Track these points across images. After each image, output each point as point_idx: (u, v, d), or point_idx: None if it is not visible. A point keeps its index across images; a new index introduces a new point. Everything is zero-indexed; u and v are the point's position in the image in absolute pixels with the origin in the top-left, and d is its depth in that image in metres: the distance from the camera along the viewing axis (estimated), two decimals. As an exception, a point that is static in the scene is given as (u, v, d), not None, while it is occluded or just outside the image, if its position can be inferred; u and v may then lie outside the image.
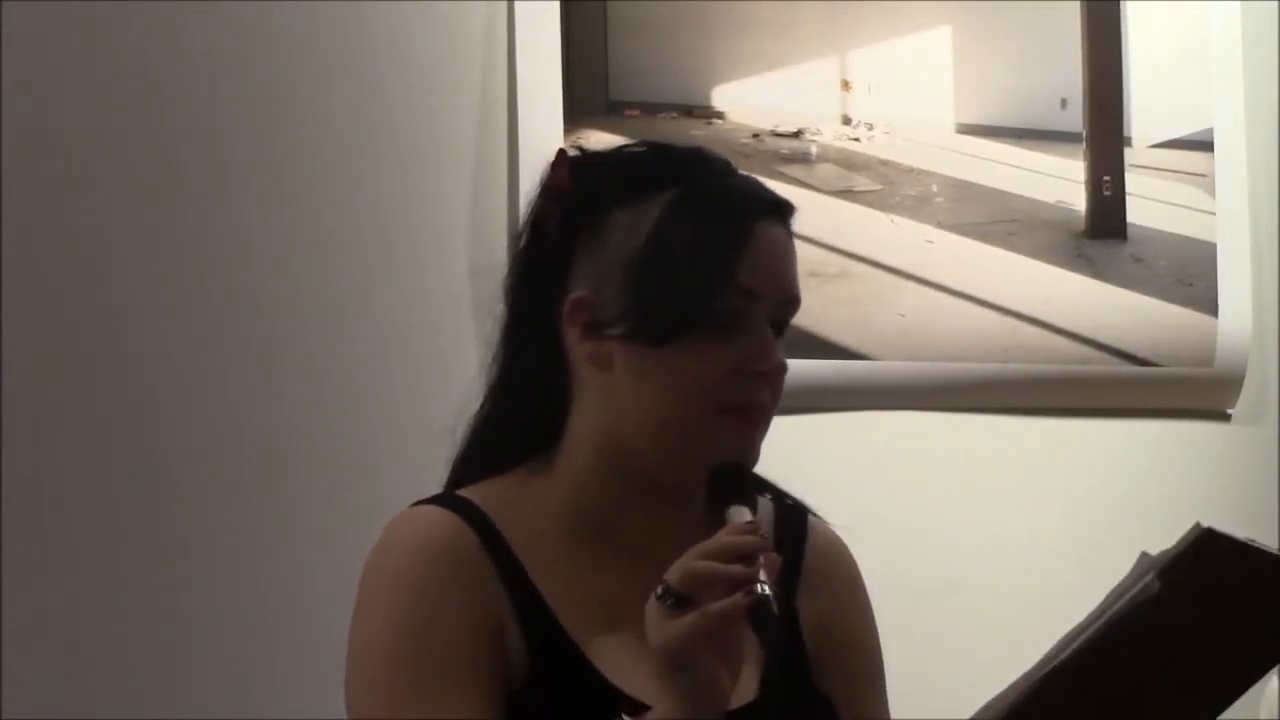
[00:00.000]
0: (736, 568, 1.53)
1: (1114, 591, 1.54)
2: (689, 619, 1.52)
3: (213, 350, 2.51)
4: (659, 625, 1.53)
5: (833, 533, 1.83)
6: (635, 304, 1.65)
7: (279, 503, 2.53)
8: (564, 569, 1.68)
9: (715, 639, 1.53)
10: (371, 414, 2.58)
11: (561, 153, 1.74)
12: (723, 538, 1.56)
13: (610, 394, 1.68)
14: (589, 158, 1.76)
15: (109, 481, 2.46)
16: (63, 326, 2.45)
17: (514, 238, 1.79)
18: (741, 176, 1.73)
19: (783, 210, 1.71)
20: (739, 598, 1.51)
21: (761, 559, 1.54)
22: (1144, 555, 1.55)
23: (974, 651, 2.76)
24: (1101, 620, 1.52)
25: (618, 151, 1.77)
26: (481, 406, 1.76)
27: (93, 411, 2.45)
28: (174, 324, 2.50)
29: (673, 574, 1.54)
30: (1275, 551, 1.54)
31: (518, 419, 1.73)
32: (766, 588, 1.52)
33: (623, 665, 1.65)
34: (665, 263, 1.65)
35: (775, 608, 1.51)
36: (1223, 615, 1.55)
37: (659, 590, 1.54)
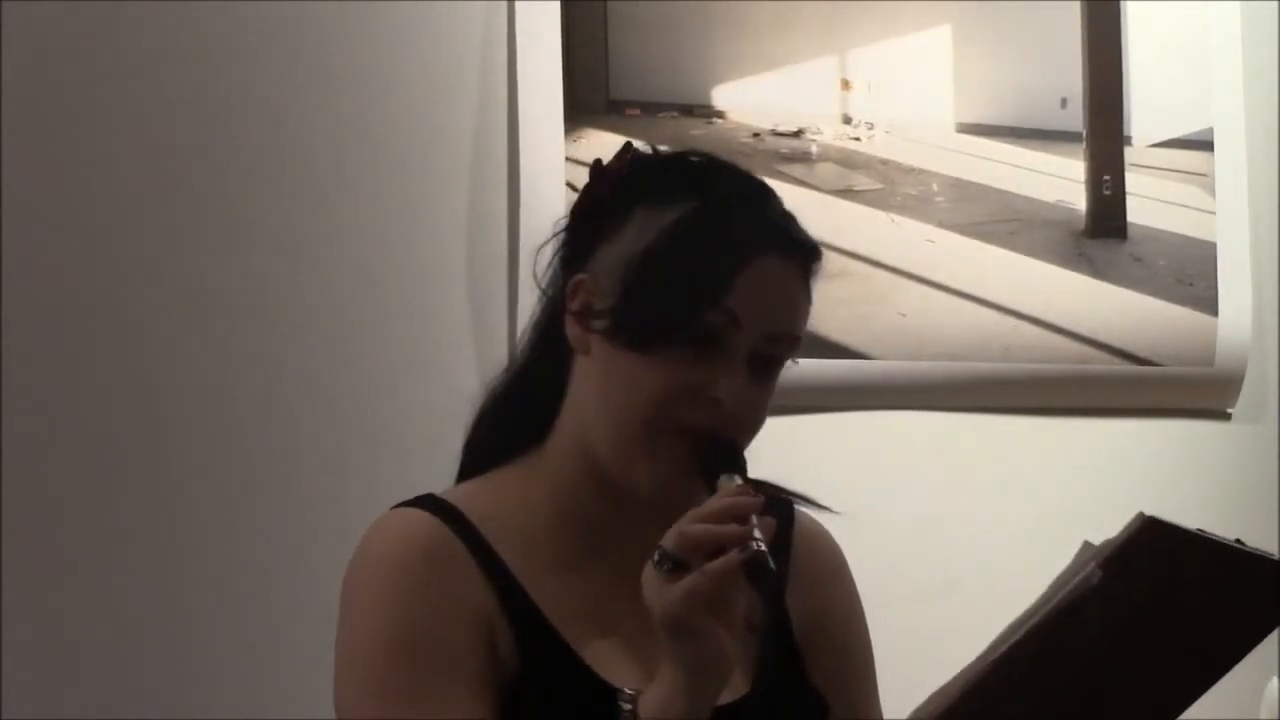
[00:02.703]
0: (731, 527, 1.53)
1: (1056, 582, 1.53)
2: (686, 581, 1.52)
3: (212, 349, 2.51)
4: (658, 591, 1.54)
5: (819, 525, 1.83)
6: (620, 303, 1.65)
7: (280, 502, 2.53)
8: (547, 567, 1.68)
9: (714, 600, 1.53)
10: (371, 413, 2.58)
11: (627, 144, 1.73)
12: (716, 501, 1.57)
13: (585, 383, 1.68)
14: (648, 155, 1.74)
15: (109, 482, 2.46)
16: (63, 327, 2.45)
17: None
18: (774, 209, 1.70)
19: (802, 251, 1.67)
20: (734, 554, 1.52)
21: (755, 519, 1.54)
22: (1086, 544, 1.53)
23: (974, 650, 2.75)
24: (1042, 612, 1.51)
25: (675, 155, 1.76)
26: (497, 386, 1.76)
27: (93, 412, 2.45)
28: (174, 324, 2.49)
29: (668, 539, 1.54)
30: (1222, 539, 1.52)
31: (524, 404, 1.74)
32: (762, 544, 1.52)
33: (612, 662, 1.66)
34: (656, 271, 1.65)
35: (772, 563, 1.52)
36: (1172, 607, 1.53)
37: (656, 556, 1.54)
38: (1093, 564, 1.50)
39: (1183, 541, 1.50)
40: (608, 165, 1.72)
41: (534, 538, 1.69)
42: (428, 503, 1.70)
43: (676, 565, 1.53)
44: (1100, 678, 1.54)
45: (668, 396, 1.63)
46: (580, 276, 1.68)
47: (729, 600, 1.54)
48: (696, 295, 1.63)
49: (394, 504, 1.72)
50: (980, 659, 1.52)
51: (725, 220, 1.66)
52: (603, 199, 1.71)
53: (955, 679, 1.53)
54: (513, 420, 1.74)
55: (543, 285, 1.74)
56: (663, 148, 1.79)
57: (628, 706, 1.56)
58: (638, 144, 1.74)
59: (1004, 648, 1.51)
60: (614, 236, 1.68)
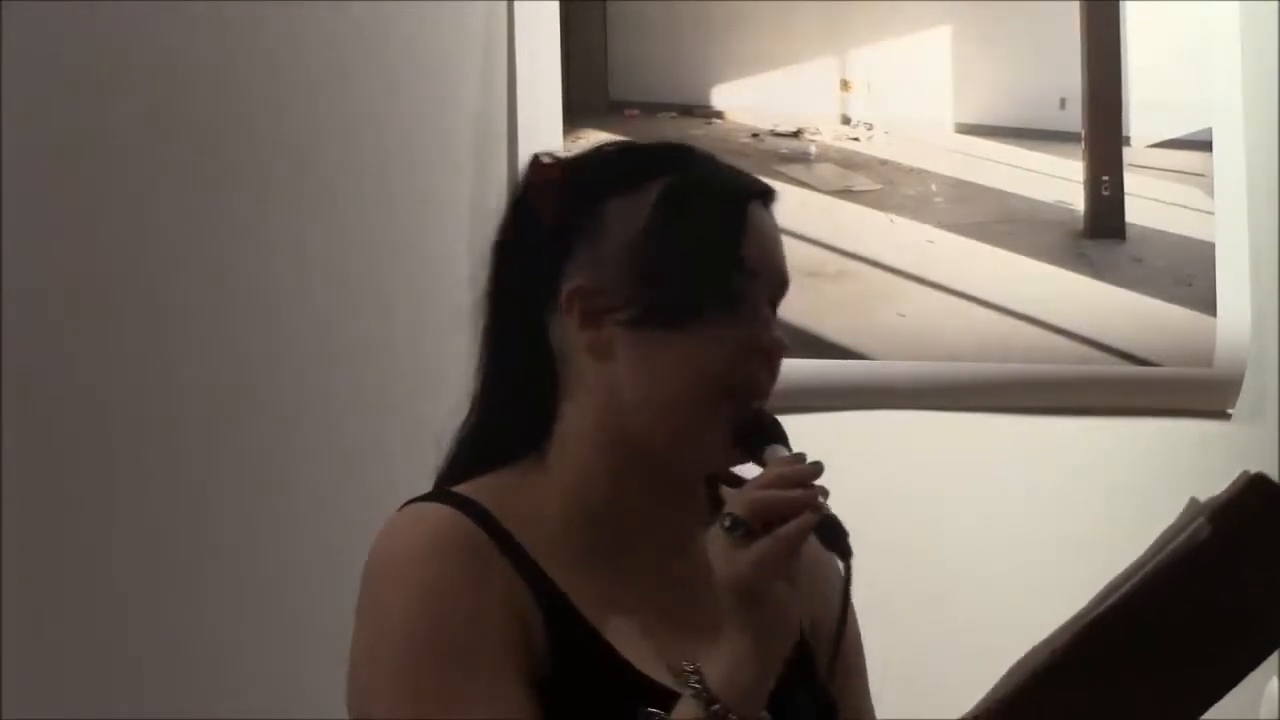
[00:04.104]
0: (799, 491, 1.55)
1: (1162, 537, 1.53)
2: (760, 545, 1.54)
3: (212, 350, 2.51)
4: (728, 557, 1.54)
5: None
6: (642, 288, 1.65)
7: (281, 502, 2.53)
8: (571, 561, 1.67)
9: (784, 564, 1.54)
10: (369, 413, 2.58)
11: (535, 157, 1.73)
12: (777, 468, 1.59)
13: (611, 383, 1.67)
14: (575, 157, 1.75)
15: (109, 482, 2.46)
16: (62, 327, 2.45)
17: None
18: (726, 165, 1.74)
19: (767, 196, 1.72)
20: (808, 515, 1.54)
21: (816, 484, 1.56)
22: (1193, 500, 1.54)
23: (974, 651, 2.75)
24: (1151, 564, 1.51)
25: (599, 149, 1.77)
26: (468, 416, 1.74)
27: (91, 412, 2.45)
28: (172, 326, 2.50)
29: (736, 504, 1.56)
30: None
31: (506, 421, 1.72)
32: (828, 507, 1.55)
33: (643, 652, 1.65)
34: (670, 245, 1.66)
35: (843, 524, 1.54)
36: (1270, 565, 1.54)
37: (726, 523, 1.55)
38: (1200, 518, 1.50)
39: None
40: (547, 179, 1.71)
41: (551, 533, 1.68)
42: (446, 497, 1.68)
43: (746, 532, 1.54)
44: (1200, 633, 1.54)
45: (717, 363, 1.64)
46: (575, 284, 1.68)
47: (792, 566, 1.55)
48: (715, 256, 1.65)
49: (402, 502, 1.70)
50: (1083, 613, 1.52)
51: (706, 182, 1.69)
52: (562, 209, 1.70)
53: (1057, 632, 1.53)
54: (497, 436, 1.72)
55: (504, 313, 1.74)
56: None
57: (695, 678, 1.56)
58: (543, 156, 1.73)
59: (1110, 601, 1.51)
60: (588, 237, 1.68)
